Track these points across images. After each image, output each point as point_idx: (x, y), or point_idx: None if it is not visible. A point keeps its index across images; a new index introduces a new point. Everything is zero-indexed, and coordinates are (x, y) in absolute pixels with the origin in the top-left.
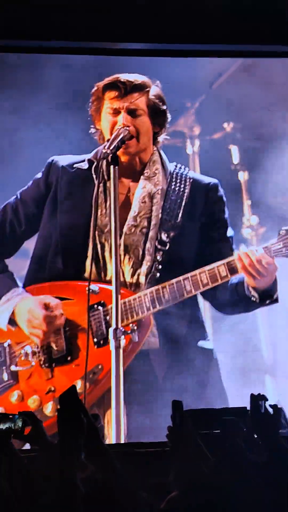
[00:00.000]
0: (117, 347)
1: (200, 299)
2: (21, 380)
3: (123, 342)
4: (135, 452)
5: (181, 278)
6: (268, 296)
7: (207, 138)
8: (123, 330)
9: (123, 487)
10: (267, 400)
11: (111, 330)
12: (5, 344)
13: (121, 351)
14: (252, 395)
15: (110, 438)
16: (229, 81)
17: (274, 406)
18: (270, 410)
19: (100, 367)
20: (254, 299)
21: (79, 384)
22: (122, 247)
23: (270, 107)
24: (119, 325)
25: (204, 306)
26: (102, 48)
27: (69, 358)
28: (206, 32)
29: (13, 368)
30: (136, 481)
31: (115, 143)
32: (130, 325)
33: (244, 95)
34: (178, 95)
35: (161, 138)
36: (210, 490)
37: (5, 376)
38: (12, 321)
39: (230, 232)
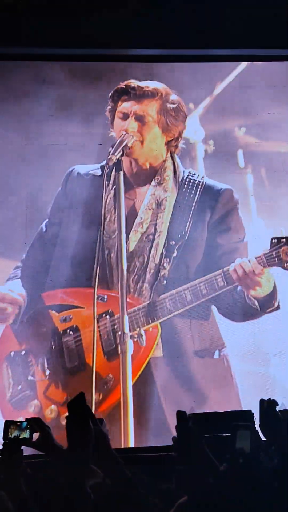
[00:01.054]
0: (124, 352)
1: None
2: (39, 390)
3: (130, 347)
4: (143, 457)
5: (181, 288)
6: (268, 304)
7: (211, 142)
8: (130, 334)
9: (133, 493)
10: (277, 405)
11: (118, 335)
12: (22, 353)
13: (128, 356)
14: (261, 400)
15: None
16: (233, 84)
17: (284, 411)
18: (280, 414)
19: (111, 376)
20: (254, 307)
21: (94, 394)
22: (127, 254)
23: (274, 110)
24: (126, 330)
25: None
26: (107, 55)
27: (82, 368)
28: (210, 37)
29: (30, 378)
30: (145, 486)
31: (119, 148)
32: (137, 329)
33: (247, 99)
34: (184, 99)
35: (175, 144)
36: (219, 496)
37: (23, 385)
38: None
39: (240, 238)
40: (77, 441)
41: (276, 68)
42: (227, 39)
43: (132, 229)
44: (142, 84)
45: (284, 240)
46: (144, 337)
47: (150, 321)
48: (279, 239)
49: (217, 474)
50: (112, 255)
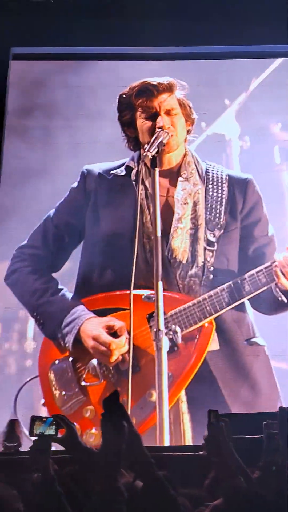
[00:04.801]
0: (160, 349)
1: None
2: (92, 395)
3: (166, 344)
4: (174, 456)
5: (238, 279)
6: None
7: (247, 138)
8: (165, 331)
9: (164, 494)
10: None
11: (153, 332)
12: (70, 359)
13: (164, 353)
14: (281, 408)
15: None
16: (268, 80)
17: None
18: None
19: (170, 374)
20: (280, 299)
21: (154, 394)
22: (170, 251)
23: None
24: (161, 327)
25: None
26: (132, 54)
27: (137, 369)
28: (245, 34)
29: (83, 383)
30: (177, 486)
31: (155, 145)
32: (172, 326)
33: (283, 95)
34: (217, 96)
35: (190, 137)
36: (254, 498)
37: (75, 392)
38: (77, 340)
39: (271, 229)
40: (111, 438)
41: None
42: (262, 35)
43: (172, 226)
44: (159, 80)
45: None
46: (179, 334)
47: (207, 315)
48: None
49: (249, 479)
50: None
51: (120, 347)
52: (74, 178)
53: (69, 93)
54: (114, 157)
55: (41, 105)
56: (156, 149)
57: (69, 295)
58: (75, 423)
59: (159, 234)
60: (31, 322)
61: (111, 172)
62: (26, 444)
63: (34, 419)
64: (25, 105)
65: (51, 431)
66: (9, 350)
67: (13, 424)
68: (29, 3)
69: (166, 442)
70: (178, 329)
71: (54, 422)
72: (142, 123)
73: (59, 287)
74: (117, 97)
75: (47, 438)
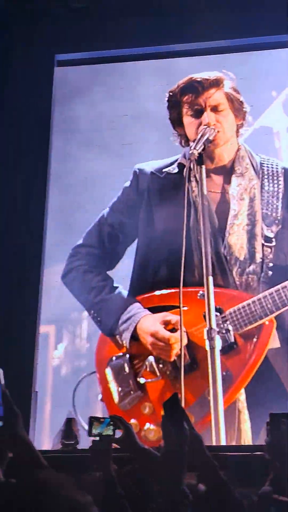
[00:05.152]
0: (212, 348)
1: None
2: (150, 392)
3: (218, 342)
4: (233, 456)
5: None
6: None
7: None
8: (217, 330)
9: (229, 498)
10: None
11: (205, 331)
12: (127, 356)
13: (217, 351)
14: (272, 415)
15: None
16: None
17: None
18: None
19: (229, 373)
20: None
21: (183, 394)
22: (227, 248)
23: None
24: (213, 325)
25: None
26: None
27: (195, 366)
28: None
29: (141, 380)
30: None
31: (201, 143)
32: (223, 324)
33: None
34: (263, 88)
35: (242, 131)
36: None
37: (132, 388)
38: (133, 337)
39: None
40: (173, 441)
41: None
42: None
43: (228, 222)
44: (204, 75)
45: None
46: (231, 332)
47: (268, 313)
48: None
49: None
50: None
51: (179, 341)
52: (122, 178)
53: (112, 95)
54: (160, 157)
55: (85, 108)
56: (202, 147)
57: (125, 292)
58: (133, 419)
59: (207, 230)
60: (84, 323)
61: (163, 170)
62: (85, 442)
63: (92, 420)
64: (70, 110)
65: (108, 431)
66: (63, 351)
67: (70, 423)
68: (69, 9)
69: (222, 442)
70: (230, 327)
71: (111, 423)
72: (188, 121)
73: (115, 285)
74: (166, 94)
75: (105, 438)
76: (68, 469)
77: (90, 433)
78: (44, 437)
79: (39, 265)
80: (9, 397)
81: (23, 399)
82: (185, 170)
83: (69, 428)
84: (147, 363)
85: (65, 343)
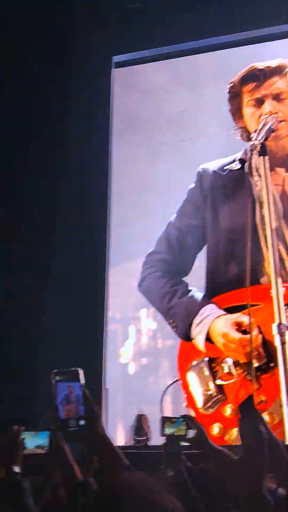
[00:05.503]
0: (283, 343)
1: None
2: (229, 394)
3: None
4: None
5: None
6: None
7: None
8: (287, 325)
9: None
10: None
11: (274, 326)
12: (206, 359)
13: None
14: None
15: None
16: None
17: None
18: None
19: None
20: None
21: (255, 393)
22: None
23: None
24: (283, 320)
25: None
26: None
27: (272, 365)
28: None
29: (218, 382)
30: None
31: (263, 133)
32: None
33: None
34: None
35: None
36: None
37: (213, 391)
38: (208, 339)
39: None
40: (251, 444)
41: None
42: None
43: None
44: (267, 63)
45: None
46: None
47: None
48: None
49: None
50: (280, 246)
51: (251, 343)
52: (183, 176)
53: (169, 91)
54: (222, 151)
55: (144, 107)
56: (265, 137)
57: (199, 294)
58: (218, 423)
59: (273, 225)
60: (148, 321)
61: (225, 167)
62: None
63: (164, 420)
64: (128, 109)
65: (180, 431)
66: (130, 349)
67: (140, 419)
68: (125, 10)
69: None
70: None
71: (183, 423)
72: (249, 111)
73: (189, 288)
74: (227, 85)
75: (177, 438)
76: (141, 467)
77: (162, 433)
78: (118, 433)
79: (104, 263)
80: (90, 397)
81: (94, 397)
82: (245, 164)
83: (139, 424)
84: (224, 365)
85: (132, 340)
